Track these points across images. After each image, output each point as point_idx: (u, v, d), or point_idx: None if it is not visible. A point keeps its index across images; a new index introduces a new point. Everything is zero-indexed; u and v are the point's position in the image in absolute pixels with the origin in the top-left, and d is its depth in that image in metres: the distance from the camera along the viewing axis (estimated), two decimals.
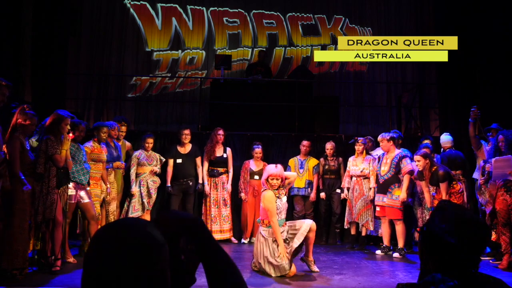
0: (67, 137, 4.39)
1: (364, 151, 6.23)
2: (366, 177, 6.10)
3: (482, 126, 5.50)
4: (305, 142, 6.63)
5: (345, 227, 6.37)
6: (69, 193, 4.60)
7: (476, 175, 5.69)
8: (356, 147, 6.24)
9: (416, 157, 5.29)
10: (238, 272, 1.01)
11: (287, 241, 4.49)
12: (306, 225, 4.50)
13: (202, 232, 1.01)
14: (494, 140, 5.09)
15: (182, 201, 6.37)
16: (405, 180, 5.55)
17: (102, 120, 8.10)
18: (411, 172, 5.55)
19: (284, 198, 4.63)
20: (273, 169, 4.58)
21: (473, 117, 5.32)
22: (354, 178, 6.19)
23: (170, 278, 0.92)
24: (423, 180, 5.36)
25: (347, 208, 6.28)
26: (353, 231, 6.25)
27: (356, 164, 6.19)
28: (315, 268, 4.64)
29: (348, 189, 6.27)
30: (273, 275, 4.38)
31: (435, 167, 5.17)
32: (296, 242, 4.43)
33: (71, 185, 4.63)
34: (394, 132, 6.05)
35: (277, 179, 4.55)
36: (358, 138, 6.31)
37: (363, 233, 6.16)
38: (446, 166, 5.37)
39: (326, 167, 6.55)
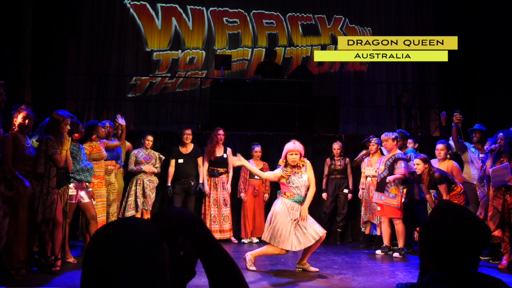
0: (67, 137, 4.39)
1: (379, 151, 6.20)
2: None
3: (463, 130, 5.54)
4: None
5: (361, 226, 6.39)
6: (70, 193, 4.60)
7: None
8: (369, 147, 6.20)
9: (416, 161, 5.27)
10: (237, 267, 1.01)
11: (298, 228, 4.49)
12: (320, 232, 4.50)
13: (201, 228, 1.01)
14: (493, 140, 5.08)
15: (184, 201, 6.37)
16: (398, 177, 5.48)
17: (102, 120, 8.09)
18: (404, 176, 5.50)
19: (305, 176, 4.56)
20: (292, 145, 4.60)
21: (455, 121, 5.41)
22: (369, 179, 6.15)
23: (170, 275, 0.92)
24: (421, 183, 5.37)
25: (362, 208, 6.29)
26: (367, 231, 6.26)
27: (370, 164, 6.16)
28: (313, 268, 4.64)
29: (363, 189, 6.27)
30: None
31: (432, 171, 5.17)
32: (309, 242, 4.45)
33: (71, 185, 4.63)
34: (400, 132, 6.04)
35: (296, 154, 4.54)
36: (371, 138, 6.24)
37: (367, 232, 6.19)
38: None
39: (333, 167, 6.55)
